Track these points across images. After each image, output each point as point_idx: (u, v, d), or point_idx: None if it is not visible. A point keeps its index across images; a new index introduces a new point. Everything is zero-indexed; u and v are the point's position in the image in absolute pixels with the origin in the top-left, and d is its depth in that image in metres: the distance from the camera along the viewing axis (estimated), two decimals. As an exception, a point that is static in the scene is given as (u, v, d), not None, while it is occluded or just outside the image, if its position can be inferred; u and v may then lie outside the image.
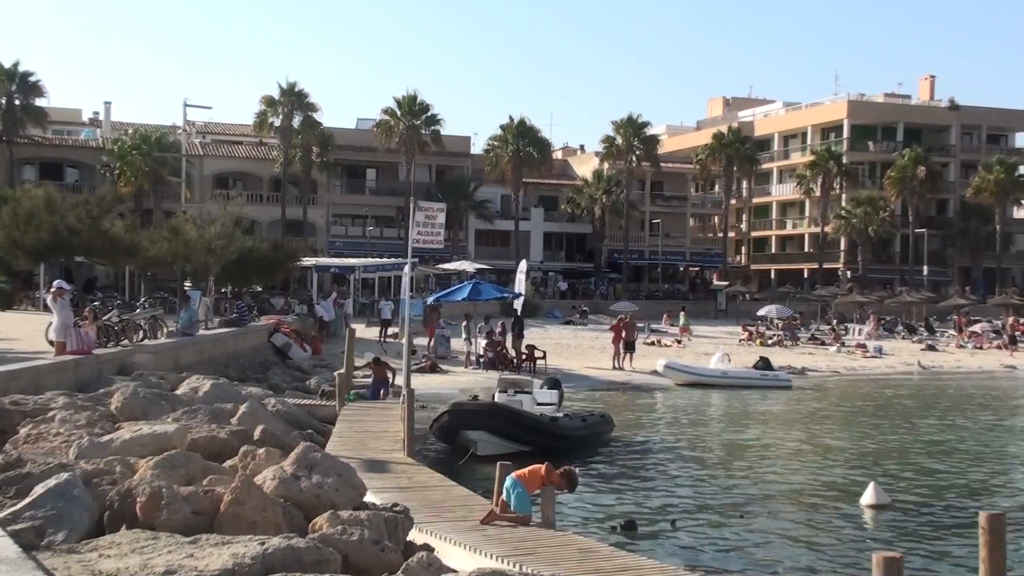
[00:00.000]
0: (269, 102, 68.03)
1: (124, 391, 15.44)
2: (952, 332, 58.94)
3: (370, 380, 24.20)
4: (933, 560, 13.69)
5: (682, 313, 56.48)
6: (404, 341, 21.75)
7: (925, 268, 75.70)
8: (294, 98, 67.94)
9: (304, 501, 9.94)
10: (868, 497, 16.93)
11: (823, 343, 52.20)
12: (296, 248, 51.23)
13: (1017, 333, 55.21)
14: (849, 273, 79.50)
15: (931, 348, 52.29)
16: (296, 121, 68.18)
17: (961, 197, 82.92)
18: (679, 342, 49.33)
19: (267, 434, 13.87)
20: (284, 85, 67.91)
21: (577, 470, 13.46)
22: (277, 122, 68.26)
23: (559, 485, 12.27)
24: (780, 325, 56.33)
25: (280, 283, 54.81)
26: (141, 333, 24.57)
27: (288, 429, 16.52)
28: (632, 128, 76.44)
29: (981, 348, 53.85)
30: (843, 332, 56.14)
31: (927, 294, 69.66)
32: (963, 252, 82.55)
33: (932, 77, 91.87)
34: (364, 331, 35.92)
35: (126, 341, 22.80)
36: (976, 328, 58.47)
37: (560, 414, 22.36)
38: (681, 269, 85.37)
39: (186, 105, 54.19)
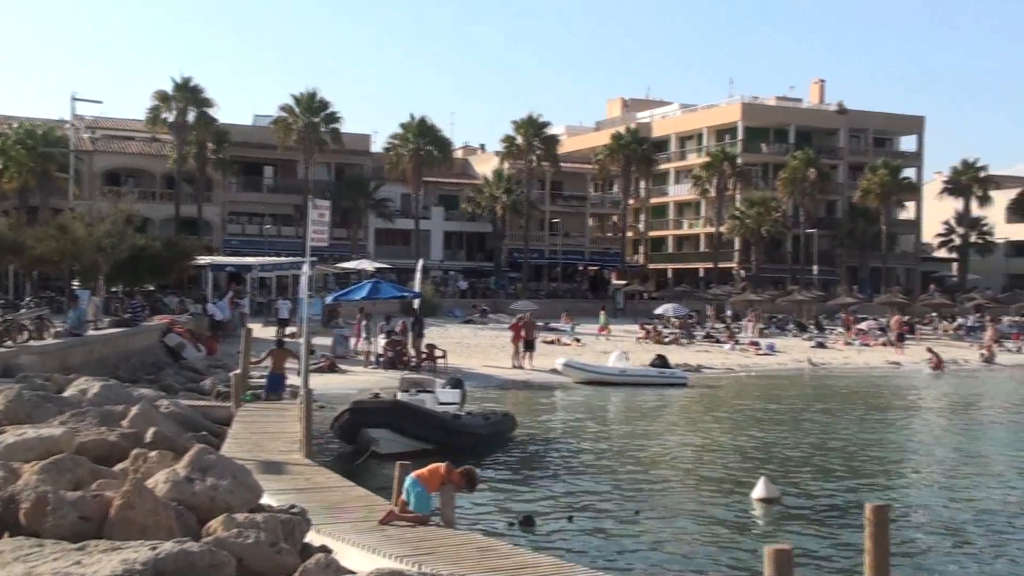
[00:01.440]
0: (162, 97, 66.52)
1: (7, 394, 14.95)
2: (840, 330, 60.65)
3: (266, 378, 23.74)
4: (822, 551, 14.07)
5: (602, 313, 57.19)
6: (302, 341, 21.50)
7: (815, 268, 77.68)
8: (188, 93, 66.56)
9: (198, 504, 9.76)
10: (759, 491, 17.31)
11: (718, 341, 53.21)
12: (190, 246, 50.18)
13: (903, 332, 56.98)
14: (743, 272, 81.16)
15: (821, 345, 53.73)
16: (190, 117, 66.77)
17: (849, 198, 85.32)
18: (578, 340, 49.77)
19: (159, 436, 13.58)
20: (178, 80, 66.56)
21: (478, 469, 13.50)
22: (171, 117, 66.76)
23: (459, 484, 12.28)
24: (677, 323, 57.25)
25: (174, 282, 53.67)
26: (26, 334, 23.81)
27: (181, 431, 16.21)
28: (532, 128, 76.83)
29: (868, 345, 55.51)
30: (737, 330, 57.31)
31: (817, 293, 71.49)
32: (851, 252, 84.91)
33: (822, 81, 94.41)
34: (261, 331, 35.40)
35: (10, 342, 22.08)
36: (863, 326, 60.27)
37: (463, 413, 22.37)
38: (580, 268, 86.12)
39: (74, 99, 52.82)
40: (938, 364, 46.84)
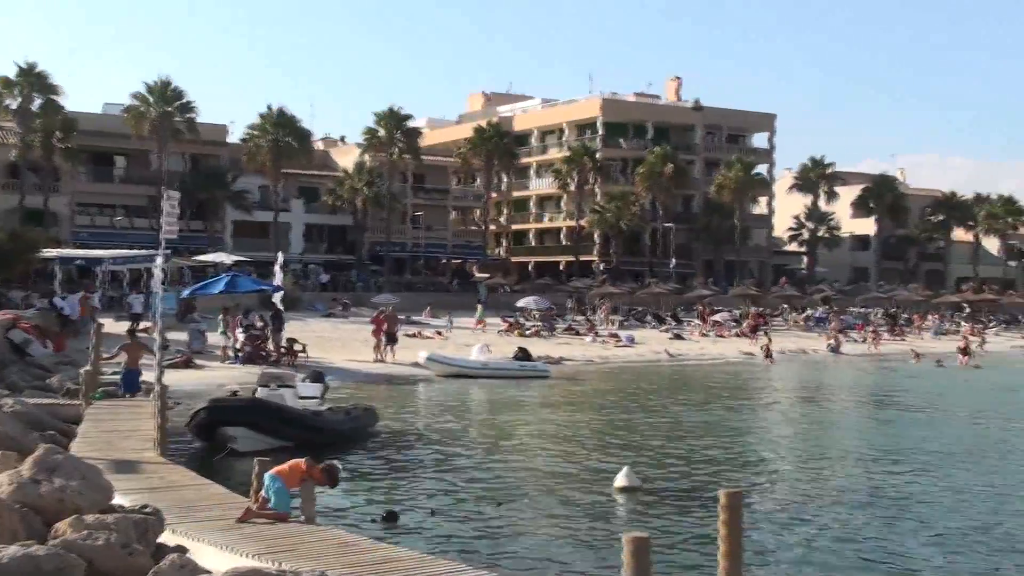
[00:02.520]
0: (5, 83, 63.55)
1: None
2: (697, 321, 62.26)
3: (121, 375, 22.93)
4: (681, 538, 14.40)
5: (479, 307, 57.31)
6: (156, 336, 20.85)
7: (672, 261, 79.45)
8: (33, 79, 63.74)
9: (45, 506, 9.37)
10: (620, 480, 17.60)
11: (579, 333, 53.93)
12: (36, 239, 48.14)
13: (758, 323, 58.82)
14: (603, 265, 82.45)
15: (678, 337, 55.04)
16: (36, 104, 64.03)
17: (705, 193, 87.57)
18: (441, 333, 49.76)
19: (3, 436, 12.99)
20: (22, 65, 63.73)
21: (339, 464, 13.35)
22: (14, 104, 63.86)
23: (320, 480, 12.12)
24: (538, 316, 57.79)
25: (19, 276, 51.39)
26: None
27: (27, 430, 15.55)
28: (394, 120, 76.36)
29: (723, 336, 57.14)
30: (601, 323, 58.20)
31: (674, 285, 73.21)
32: (706, 246, 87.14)
33: (678, 78, 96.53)
34: (112, 326, 34.22)
35: None
36: (718, 317, 62.01)
37: (324, 408, 22.08)
38: (443, 261, 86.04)
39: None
40: (768, 353, 48.25)
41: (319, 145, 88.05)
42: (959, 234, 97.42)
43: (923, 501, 17.17)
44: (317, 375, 24.71)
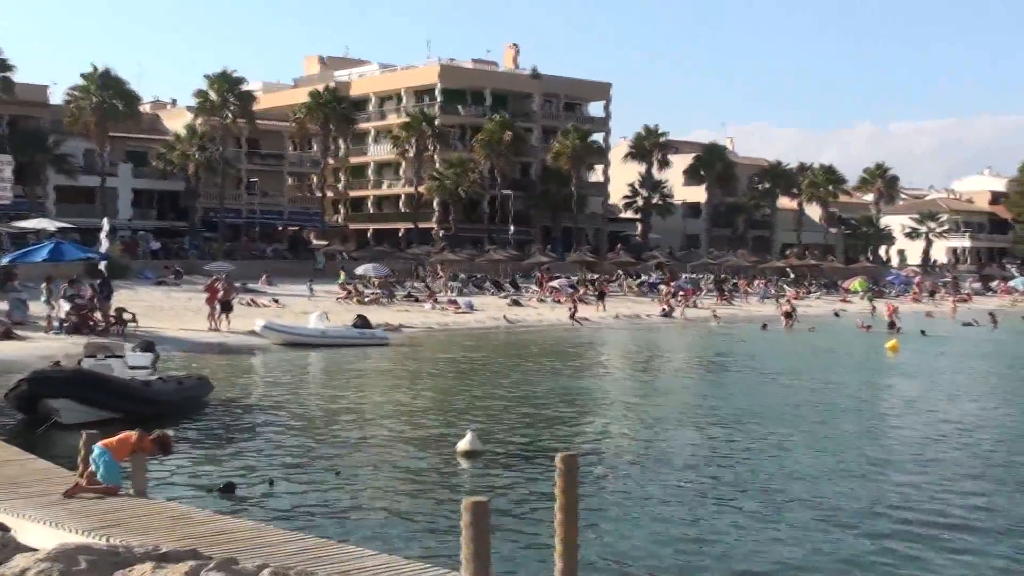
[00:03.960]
0: None
1: None
2: (535, 288, 63.02)
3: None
4: (521, 501, 14.58)
5: (341, 273, 56.36)
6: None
7: (511, 228, 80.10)
8: None
9: None
10: (463, 444, 17.68)
11: (418, 300, 53.85)
12: None
13: (604, 289, 59.77)
14: (442, 232, 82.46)
15: (516, 303, 55.60)
16: None
17: (542, 161, 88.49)
18: (277, 301, 48.89)
19: None
20: None
21: (171, 433, 12.97)
22: None
23: (151, 452, 11.75)
24: (377, 283, 57.43)
25: None
26: None
27: None
28: (226, 83, 74.16)
29: (560, 302, 57.99)
30: (438, 289, 58.25)
31: (513, 252, 73.85)
32: (544, 213, 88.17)
33: (516, 46, 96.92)
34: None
35: None
36: (555, 284, 62.94)
37: (154, 378, 21.40)
38: (279, 228, 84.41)
39: None
40: (574, 315, 49.18)
41: (147, 108, 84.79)
42: (784, 202, 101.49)
43: (748, 458, 17.87)
44: (148, 345, 23.92)
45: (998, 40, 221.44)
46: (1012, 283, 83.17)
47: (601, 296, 56.76)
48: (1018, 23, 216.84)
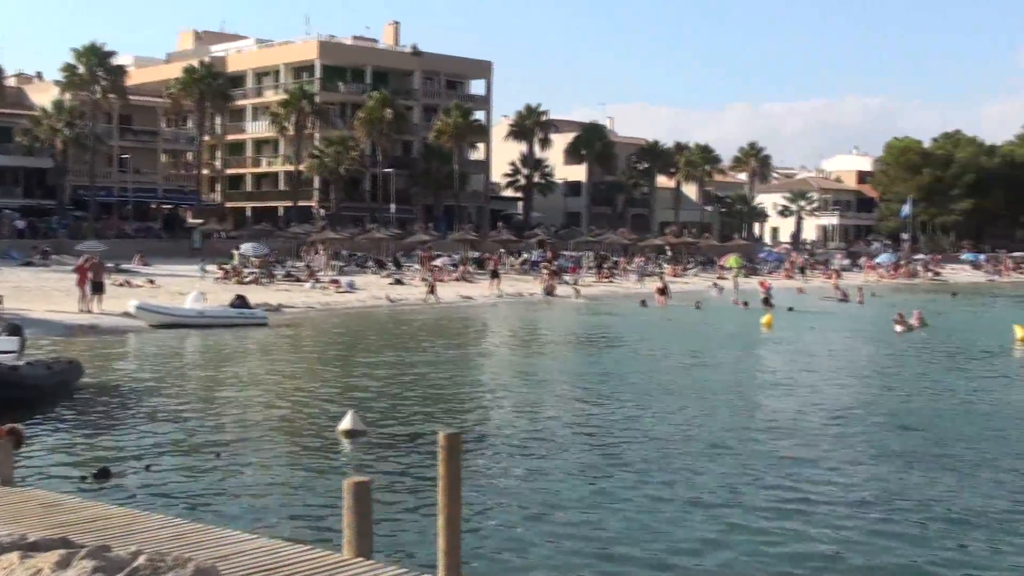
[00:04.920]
0: None
1: None
2: (417, 266, 62.83)
3: None
4: (403, 480, 14.57)
5: (235, 253, 55.11)
6: None
7: (393, 206, 79.65)
8: None
9: None
10: (345, 424, 17.55)
11: (298, 280, 53.17)
12: None
13: (496, 268, 59.80)
14: (323, 211, 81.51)
15: (399, 282, 55.35)
16: None
17: (424, 139, 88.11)
18: (152, 282, 47.68)
19: None
20: None
21: (23, 427, 12.49)
22: None
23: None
24: (256, 263, 56.51)
25: None
26: None
27: None
28: (96, 57, 71.77)
29: (442, 281, 57.93)
30: (317, 268, 57.59)
31: (395, 231, 73.47)
32: (426, 191, 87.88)
33: (396, 23, 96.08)
34: None
35: None
36: (438, 262, 62.86)
37: (21, 362, 20.65)
38: (154, 207, 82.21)
39: None
40: (432, 290, 49.25)
41: (11, 82, 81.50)
42: (662, 181, 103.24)
43: (626, 436, 18.20)
44: (14, 328, 23.11)
45: (864, 24, 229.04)
46: (877, 260, 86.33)
47: (495, 275, 56.82)
48: (883, 7, 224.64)
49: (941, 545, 11.87)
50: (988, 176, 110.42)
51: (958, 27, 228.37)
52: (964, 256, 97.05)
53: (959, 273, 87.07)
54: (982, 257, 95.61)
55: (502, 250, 73.65)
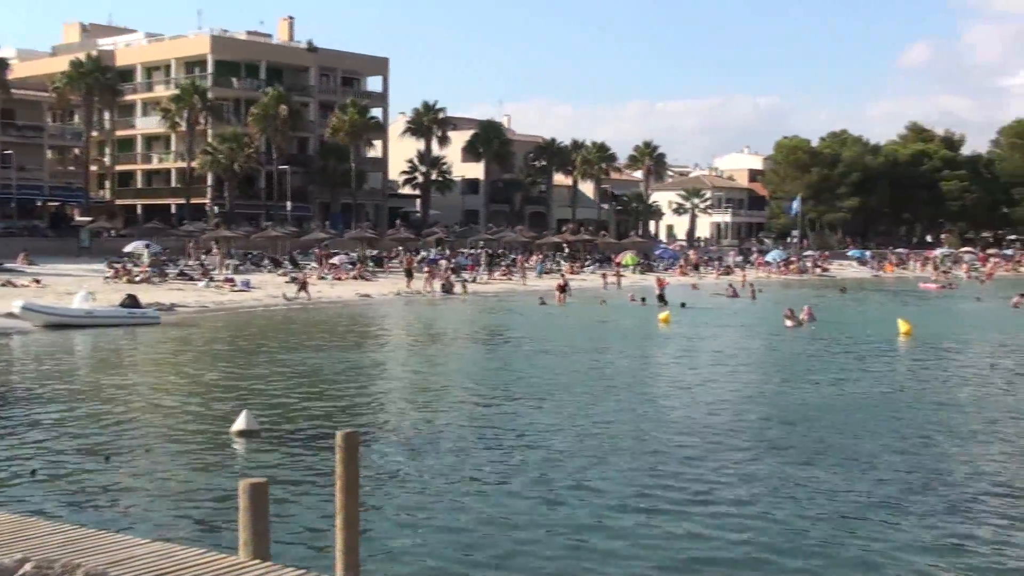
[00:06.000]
0: None
1: None
2: (314, 265, 62.16)
3: None
4: (301, 480, 14.41)
5: (145, 252, 53.75)
6: None
7: (289, 204, 78.59)
8: None
9: None
10: (239, 424, 17.29)
11: (192, 278, 52.15)
12: None
13: (411, 267, 59.31)
14: (217, 208, 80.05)
15: (302, 282, 54.60)
16: None
17: (320, 136, 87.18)
18: (38, 281, 46.23)
19: None
20: None
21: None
22: None
23: None
24: (148, 261, 55.26)
25: None
26: None
27: None
28: (-25, 49, 69.31)
29: (340, 279, 57.49)
30: (211, 267, 56.56)
31: (291, 229, 72.56)
32: (323, 189, 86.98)
33: (291, 18, 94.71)
34: None
35: None
36: (335, 260, 62.30)
37: None
38: (39, 204, 79.65)
39: None
40: (303, 286, 48.34)
41: None
42: (559, 178, 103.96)
43: (527, 428, 18.30)
44: None
45: (757, 25, 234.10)
46: (768, 257, 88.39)
47: (409, 274, 56.30)
48: (774, 9, 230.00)
49: (821, 534, 12.21)
50: (873, 175, 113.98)
51: (845, 30, 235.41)
52: (850, 252, 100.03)
53: (846, 269, 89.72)
54: (867, 254, 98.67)
55: (400, 248, 73.36)
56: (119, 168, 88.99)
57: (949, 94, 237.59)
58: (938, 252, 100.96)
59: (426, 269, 59.26)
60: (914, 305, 52.32)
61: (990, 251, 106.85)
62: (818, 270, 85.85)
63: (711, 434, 17.87)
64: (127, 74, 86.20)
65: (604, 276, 62.32)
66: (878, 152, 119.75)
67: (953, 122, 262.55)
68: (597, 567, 11.09)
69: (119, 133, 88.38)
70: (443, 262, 64.61)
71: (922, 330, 36.34)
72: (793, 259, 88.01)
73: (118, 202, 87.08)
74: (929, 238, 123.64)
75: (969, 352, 32.41)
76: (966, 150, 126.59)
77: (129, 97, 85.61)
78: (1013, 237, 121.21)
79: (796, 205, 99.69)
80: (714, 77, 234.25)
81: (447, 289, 55.07)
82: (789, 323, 38.75)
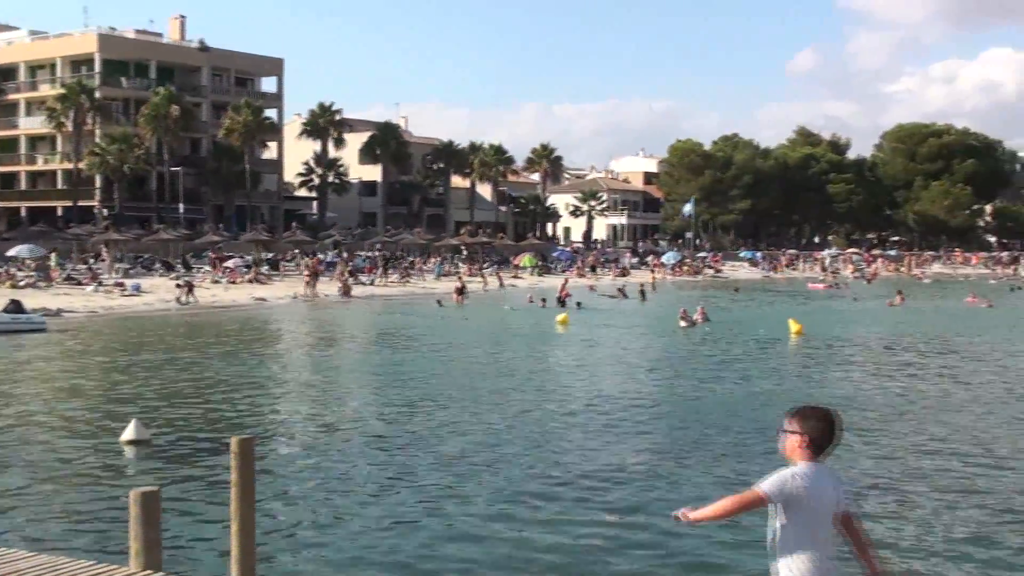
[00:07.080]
0: None
1: None
2: (208, 268, 61.05)
3: None
4: (196, 489, 14.15)
5: (54, 255, 51.95)
6: None
7: (181, 206, 77.12)
8: None
9: None
10: (128, 433, 16.89)
11: (80, 283, 50.78)
12: None
13: (318, 271, 58.63)
14: (106, 211, 78.09)
15: (188, 284, 53.56)
16: None
17: (213, 137, 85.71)
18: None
19: None
20: None
21: None
22: None
23: None
24: (33, 266, 53.64)
25: None
26: None
27: None
28: None
29: (234, 283, 56.58)
30: (100, 271, 55.20)
31: (184, 231, 71.19)
32: (217, 190, 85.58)
33: (182, 17, 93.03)
34: None
35: None
36: (230, 264, 61.28)
37: None
38: (-85, 207, 76.82)
39: None
40: (190, 289, 47.55)
41: None
42: (457, 181, 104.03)
43: (425, 431, 18.29)
44: None
45: (650, 29, 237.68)
46: (663, 258, 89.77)
47: (314, 276, 55.48)
48: (668, 13, 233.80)
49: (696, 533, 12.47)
50: (764, 177, 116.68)
51: (737, 35, 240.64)
52: (742, 254, 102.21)
53: (738, 270, 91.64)
54: (759, 255, 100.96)
55: (296, 250, 72.56)
56: (2, 169, 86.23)
57: (835, 99, 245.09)
58: (826, 253, 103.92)
59: (305, 273, 57.28)
60: (802, 304, 53.72)
61: (875, 252, 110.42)
62: (711, 271, 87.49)
63: (599, 433, 18.07)
64: (9, 72, 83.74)
65: (500, 277, 62.61)
66: (768, 155, 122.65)
67: (839, 126, 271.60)
68: (492, 565, 11.14)
69: (1, 133, 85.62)
70: (339, 264, 64.03)
71: (810, 329, 37.33)
72: (687, 260, 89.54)
73: (1, 204, 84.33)
74: (817, 239, 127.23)
75: (853, 349, 33.43)
76: (851, 154, 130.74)
77: (12, 96, 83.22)
78: (896, 238, 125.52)
79: (690, 207, 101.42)
80: (609, 81, 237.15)
81: (344, 292, 54.63)
82: (683, 323, 39.42)
